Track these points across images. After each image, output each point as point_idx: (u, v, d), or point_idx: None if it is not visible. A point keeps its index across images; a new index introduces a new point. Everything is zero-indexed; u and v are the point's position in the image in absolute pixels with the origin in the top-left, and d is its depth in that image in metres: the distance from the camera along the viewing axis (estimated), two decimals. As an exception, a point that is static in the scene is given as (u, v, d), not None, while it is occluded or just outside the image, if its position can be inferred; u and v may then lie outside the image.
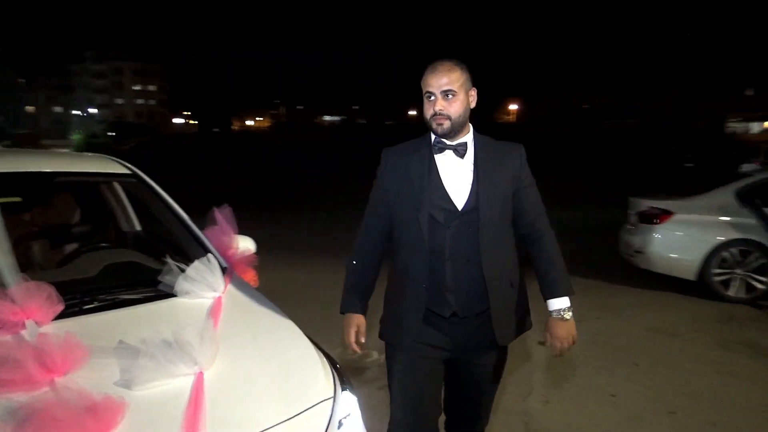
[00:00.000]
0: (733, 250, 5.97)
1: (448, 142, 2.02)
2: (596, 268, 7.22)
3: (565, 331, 1.99)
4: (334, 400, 1.85)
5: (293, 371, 1.89)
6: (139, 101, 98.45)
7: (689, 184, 7.43)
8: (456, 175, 2.02)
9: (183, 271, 2.22)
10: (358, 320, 2.10)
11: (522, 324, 2.14)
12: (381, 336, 2.15)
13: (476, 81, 2.03)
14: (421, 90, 1.98)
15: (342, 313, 2.14)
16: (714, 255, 5.98)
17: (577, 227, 10.09)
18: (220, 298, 2.17)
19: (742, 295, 5.93)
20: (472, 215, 1.97)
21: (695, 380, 4.01)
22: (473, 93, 2.02)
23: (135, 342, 1.73)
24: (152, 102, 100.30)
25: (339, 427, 1.81)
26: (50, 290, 1.79)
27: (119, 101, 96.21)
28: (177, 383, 1.65)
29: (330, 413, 1.80)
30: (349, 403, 1.93)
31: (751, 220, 5.98)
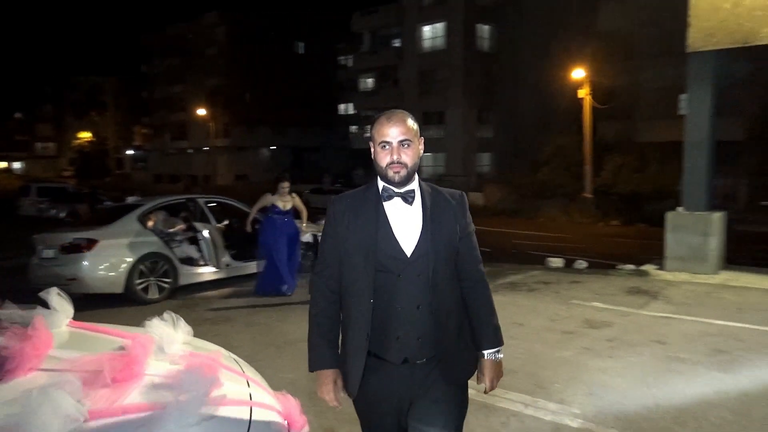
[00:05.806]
0: (147, 263, 7.70)
1: (396, 190, 2.06)
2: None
3: (499, 371, 2.17)
4: None
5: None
6: None
7: (82, 217, 8.48)
8: (405, 222, 2.05)
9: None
10: (333, 375, 2.08)
11: (473, 365, 2.18)
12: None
13: None
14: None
15: (312, 370, 2.09)
16: (134, 269, 7.55)
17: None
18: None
19: (157, 295, 7.77)
20: (421, 262, 2.01)
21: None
22: (422, 141, 2.10)
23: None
24: None
25: None
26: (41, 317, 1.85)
27: None
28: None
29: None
30: None
31: (153, 238, 7.89)
